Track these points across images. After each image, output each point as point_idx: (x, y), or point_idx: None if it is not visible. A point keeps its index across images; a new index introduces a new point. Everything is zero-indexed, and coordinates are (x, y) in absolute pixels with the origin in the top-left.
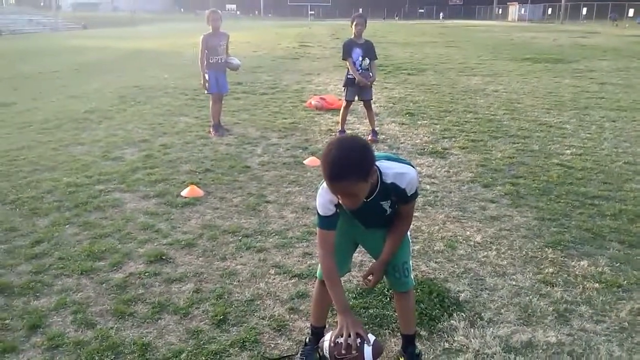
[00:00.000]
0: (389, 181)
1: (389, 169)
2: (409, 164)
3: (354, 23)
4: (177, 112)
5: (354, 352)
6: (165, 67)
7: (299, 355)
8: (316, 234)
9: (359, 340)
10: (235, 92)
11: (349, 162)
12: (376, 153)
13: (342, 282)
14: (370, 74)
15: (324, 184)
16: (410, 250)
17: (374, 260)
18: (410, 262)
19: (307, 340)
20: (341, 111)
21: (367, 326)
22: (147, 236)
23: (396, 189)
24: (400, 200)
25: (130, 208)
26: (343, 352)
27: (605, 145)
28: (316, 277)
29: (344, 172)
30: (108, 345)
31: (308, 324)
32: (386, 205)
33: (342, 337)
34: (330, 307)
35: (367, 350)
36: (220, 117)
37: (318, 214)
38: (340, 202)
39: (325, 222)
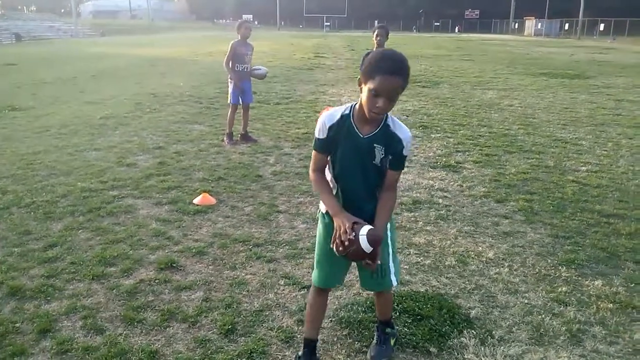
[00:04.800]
0: (391, 125)
1: (394, 118)
2: None
3: (375, 34)
4: (192, 120)
5: (350, 245)
6: (181, 75)
7: None
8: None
9: (353, 234)
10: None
11: (407, 64)
12: None
13: (352, 296)
14: None
15: (330, 111)
16: (391, 252)
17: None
18: (391, 263)
19: (299, 354)
20: None
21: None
22: (158, 243)
23: (394, 136)
24: (392, 154)
25: (142, 214)
26: (341, 249)
27: (622, 163)
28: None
29: (404, 70)
30: (116, 351)
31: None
32: (378, 152)
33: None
34: (323, 320)
35: (363, 240)
36: (248, 127)
37: (316, 138)
38: (375, 102)
39: (320, 145)
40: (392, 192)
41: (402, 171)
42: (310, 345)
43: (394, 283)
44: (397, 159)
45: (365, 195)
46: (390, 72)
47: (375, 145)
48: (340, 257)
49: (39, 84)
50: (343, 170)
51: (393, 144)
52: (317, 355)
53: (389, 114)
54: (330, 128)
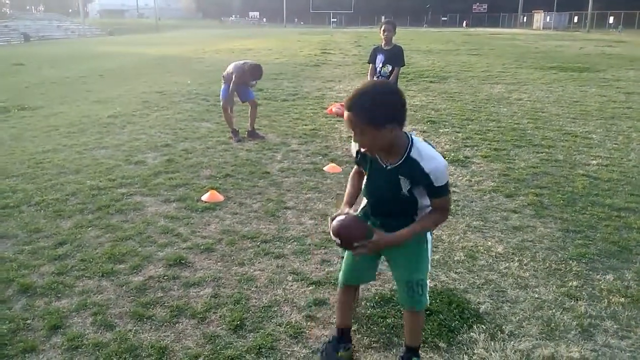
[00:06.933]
0: (414, 156)
1: (421, 148)
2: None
3: (382, 29)
4: (199, 117)
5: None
6: (188, 73)
7: (320, 350)
8: (335, 243)
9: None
10: (257, 98)
11: (364, 98)
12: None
13: (361, 291)
14: None
15: None
16: (429, 267)
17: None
18: (427, 280)
19: (330, 338)
20: None
21: (385, 335)
22: (167, 240)
23: (419, 169)
24: (424, 186)
25: (151, 212)
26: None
27: (633, 156)
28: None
29: (353, 105)
30: (126, 347)
31: (325, 332)
32: (404, 183)
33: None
34: (354, 312)
35: (332, 225)
36: (255, 124)
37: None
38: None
39: (355, 160)
40: (437, 214)
41: (448, 196)
42: (339, 331)
43: (427, 301)
44: (432, 190)
45: (395, 213)
46: (346, 107)
47: (400, 176)
48: (362, 255)
49: (47, 84)
50: (372, 194)
51: (417, 176)
52: (352, 340)
53: (416, 141)
54: (357, 153)
